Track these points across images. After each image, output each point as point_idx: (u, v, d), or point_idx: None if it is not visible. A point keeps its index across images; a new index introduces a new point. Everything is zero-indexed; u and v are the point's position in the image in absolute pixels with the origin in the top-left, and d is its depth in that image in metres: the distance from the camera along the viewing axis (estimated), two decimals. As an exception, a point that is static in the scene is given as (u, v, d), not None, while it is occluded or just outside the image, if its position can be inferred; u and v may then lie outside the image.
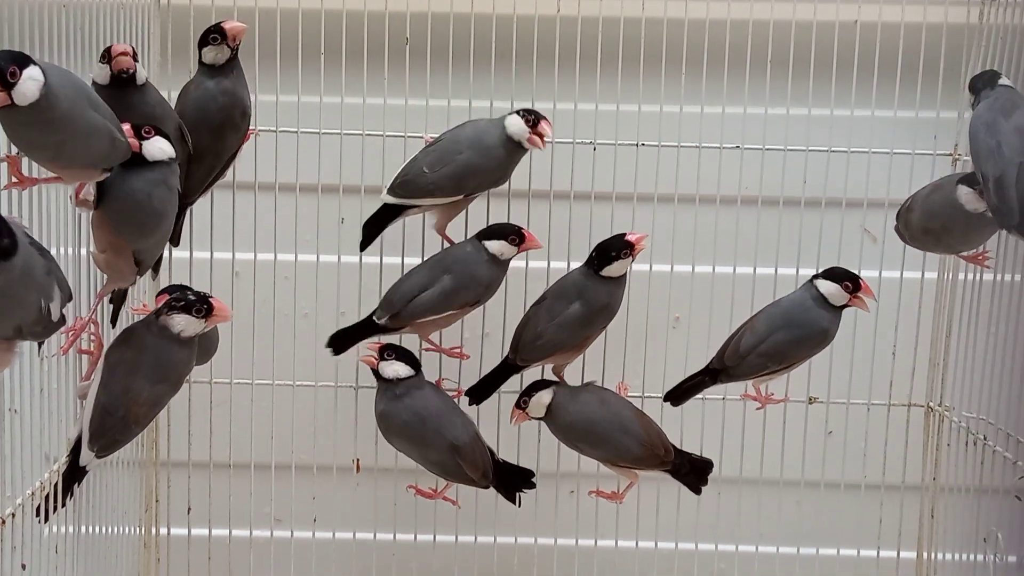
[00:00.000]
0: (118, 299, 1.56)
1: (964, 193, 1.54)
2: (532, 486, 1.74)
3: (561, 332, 1.66)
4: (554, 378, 1.73)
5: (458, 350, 1.77)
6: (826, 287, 1.64)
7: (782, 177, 1.78)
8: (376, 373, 1.65)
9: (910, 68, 1.73)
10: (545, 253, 1.77)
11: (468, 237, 1.70)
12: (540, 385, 1.68)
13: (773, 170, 1.78)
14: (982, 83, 1.56)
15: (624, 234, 1.64)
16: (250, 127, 1.62)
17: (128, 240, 1.35)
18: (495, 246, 1.65)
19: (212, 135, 1.56)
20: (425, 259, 1.71)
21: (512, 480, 1.72)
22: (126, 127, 1.31)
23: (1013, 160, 1.43)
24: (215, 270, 1.78)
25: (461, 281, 1.65)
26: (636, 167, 1.76)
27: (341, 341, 1.69)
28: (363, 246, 1.69)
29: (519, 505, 1.74)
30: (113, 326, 1.58)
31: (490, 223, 1.74)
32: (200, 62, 1.56)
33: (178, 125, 1.51)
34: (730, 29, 1.72)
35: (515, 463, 1.76)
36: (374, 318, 1.68)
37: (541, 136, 1.62)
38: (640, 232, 1.64)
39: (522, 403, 1.68)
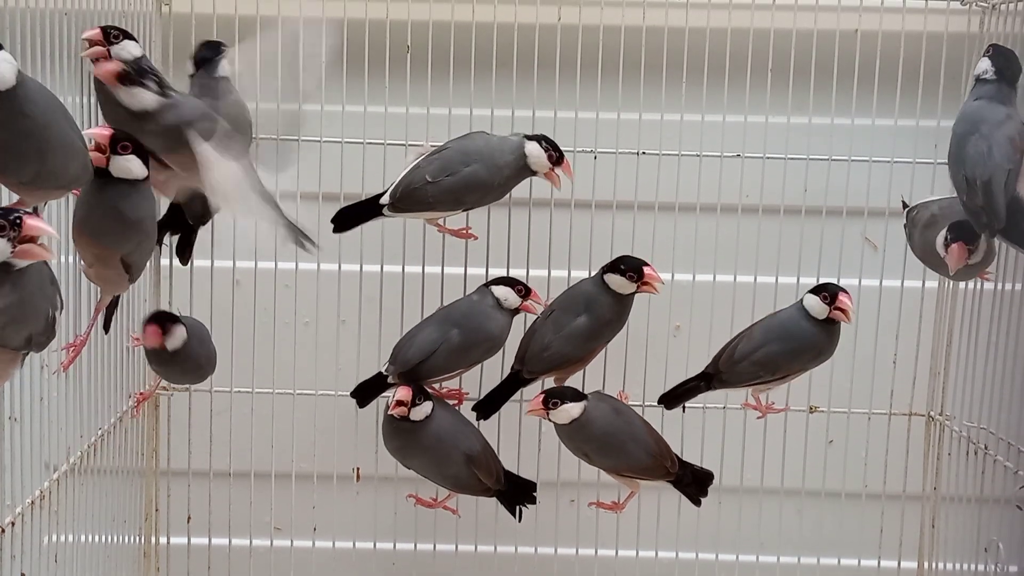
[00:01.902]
0: (110, 306, 1.56)
1: (940, 246, 1.56)
2: (533, 501, 1.74)
3: (567, 344, 1.66)
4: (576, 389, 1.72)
5: (456, 391, 1.77)
6: (808, 300, 1.64)
7: (783, 186, 1.78)
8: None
9: (911, 77, 1.73)
10: (546, 261, 1.77)
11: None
12: (573, 395, 1.62)
13: (774, 178, 1.78)
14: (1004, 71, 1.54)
15: (647, 263, 1.64)
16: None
17: (109, 247, 1.33)
18: (500, 291, 1.66)
19: None
20: (431, 314, 1.71)
21: (514, 492, 1.72)
22: (101, 135, 1.26)
23: (1003, 166, 1.46)
24: (216, 278, 1.77)
25: (469, 336, 1.65)
26: (637, 175, 1.76)
27: (364, 394, 1.71)
28: (336, 230, 1.67)
29: (519, 519, 1.74)
30: (106, 332, 1.58)
31: (491, 232, 1.75)
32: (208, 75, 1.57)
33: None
34: (731, 38, 1.72)
35: (516, 472, 1.75)
36: (384, 373, 1.68)
37: (563, 172, 1.63)
38: (657, 274, 1.63)
39: (550, 404, 1.60)
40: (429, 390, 1.66)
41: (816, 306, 1.62)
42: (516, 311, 1.67)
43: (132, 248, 1.36)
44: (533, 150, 1.62)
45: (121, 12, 1.58)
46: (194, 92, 1.56)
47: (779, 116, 1.75)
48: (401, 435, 1.63)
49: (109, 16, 1.53)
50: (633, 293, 1.65)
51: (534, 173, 1.64)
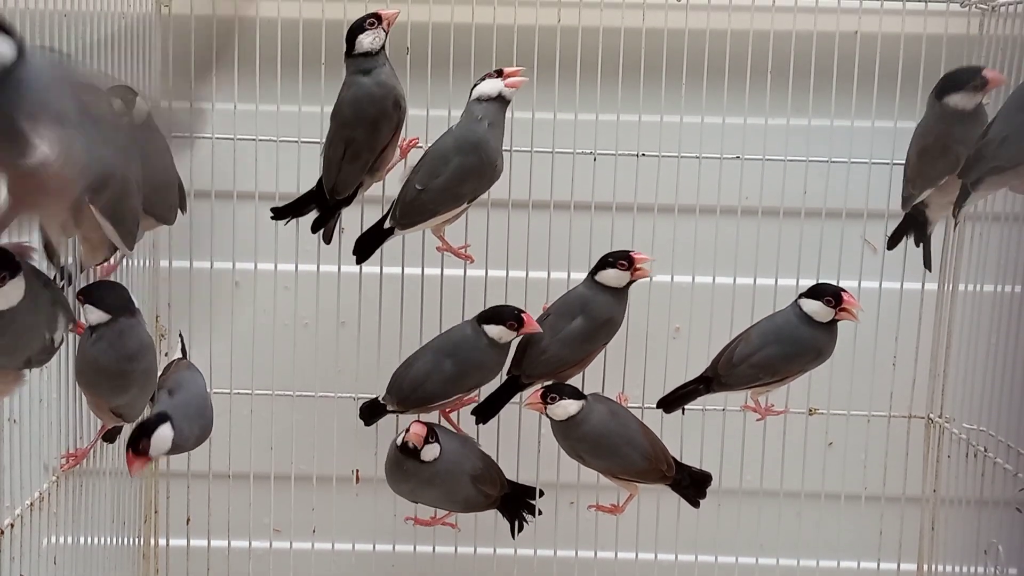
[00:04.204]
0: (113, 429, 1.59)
1: (958, 99, 1.57)
2: (533, 511, 1.74)
3: (564, 347, 1.66)
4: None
5: (459, 399, 1.76)
6: (809, 306, 1.63)
7: (782, 187, 1.78)
8: (407, 450, 1.59)
9: (910, 79, 1.73)
10: (545, 263, 1.77)
11: (467, 320, 1.68)
12: (572, 393, 1.63)
13: (773, 180, 1.78)
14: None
15: (631, 249, 1.64)
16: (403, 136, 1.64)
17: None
18: (494, 331, 1.63)
19: (367, 130, 1.57)
20: (427, 343, 1.70)
21: (515, 502, 1.73)
22: None
23: None
24: (215, 280, 1.77)
25: (463, 367, 1.64)
26: (636, 177, 1.76)
27: (368, 415, 1.71)
28: (358, 261, 1.67)
29: (519, 530, 1.74)
30: (111, 442, 1.62)
31: (489, 233, 1.74)
32: (349, 56, 1.57)
33: (179, 185, 1.57)
34: (730, 39, 1.72)
35: (516, 475, 1.76)
36: (381, 401, 1.68)
37: (514, 75, 1.59)
38: (645, 255, 1.63)
39: (549, 399, 1.62)
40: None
41: (820, 311, 1.62)
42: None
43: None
44: (483, 87, 1.60)
45: (120, 14, 1.58)
46: (387, 66, 1.58)
47: (778, 118, 1.75)
48: (410, 478, 1.62)
49: (108, 18, 1.53)
50: (628, 285, 1.65)
51: (506, 100, 1.61)
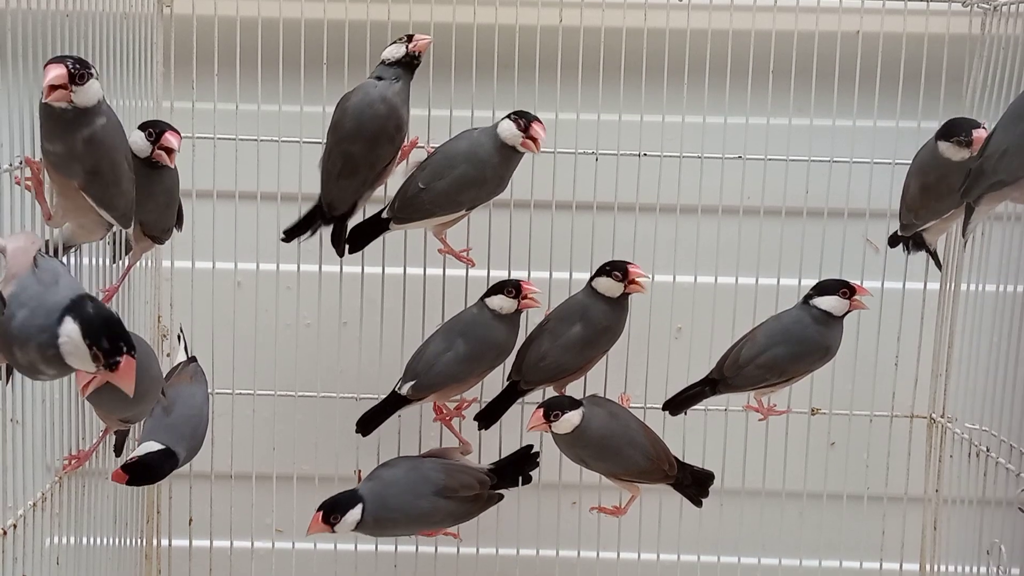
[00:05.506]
0: (122, 434, 1.59)
1: (945, 147, 1.58)
2: (536, 464, 1.73)
3: (564, 354, 1.66)
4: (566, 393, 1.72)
5: (459, 402, 1.76)
6: (826, 303, 1.64)
7: (784, 187, 1.78)
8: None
9: (912, 78, 1.73)
10: (547, 264, 1.77)
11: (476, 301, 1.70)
12: (571, 404, 1.60)
13: (775, 180, 1.78)
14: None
15: (630, 262, 1.65)
16: (405, 142, 1.64)
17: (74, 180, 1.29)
18: (495, 302, 1.64)
19: (366, 147, 1.58)
20: (438, 327, 1.71)
21: (516, 470, 1.72)
22: (60, 72, 1.20)
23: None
24: (217, 280, 1.77)
25: (474, 345, 1.65)
26: (638, 177, 1.76)
27: (369, 423, 1.68)
28: (351, 251, 1.67)
29: (527, 482, 1.73)
30: (117, 455, 1.61)
31: (491, 233, 1.74)
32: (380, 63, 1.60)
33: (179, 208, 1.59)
34: (732, 39, 1.72)
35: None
36: (397, 390, 1.67)
37: (534, 140, 1.58)
38: (642, 270, 1.63)
39: (552, 416, 1.59)
40: (437, 412, 1.68)
41: (838, 305, 1.63)
42: (518, 311, 1.66)
43: (96, 187, 1.30)
44: (503, 127, 1.59)
45: (122, 14, 1.58)
46: (400, 86, 1.59)
47: (780, 118, 1.75)
48: (374, 531, 1.63)
49: (110, 18, 1.53)
50: (624, 296, 1.65)
51: (518, 152, 1.60)
